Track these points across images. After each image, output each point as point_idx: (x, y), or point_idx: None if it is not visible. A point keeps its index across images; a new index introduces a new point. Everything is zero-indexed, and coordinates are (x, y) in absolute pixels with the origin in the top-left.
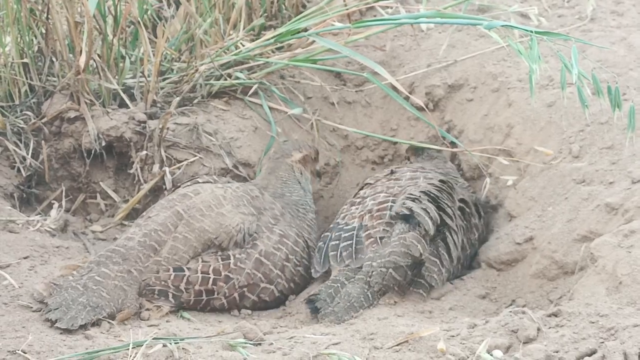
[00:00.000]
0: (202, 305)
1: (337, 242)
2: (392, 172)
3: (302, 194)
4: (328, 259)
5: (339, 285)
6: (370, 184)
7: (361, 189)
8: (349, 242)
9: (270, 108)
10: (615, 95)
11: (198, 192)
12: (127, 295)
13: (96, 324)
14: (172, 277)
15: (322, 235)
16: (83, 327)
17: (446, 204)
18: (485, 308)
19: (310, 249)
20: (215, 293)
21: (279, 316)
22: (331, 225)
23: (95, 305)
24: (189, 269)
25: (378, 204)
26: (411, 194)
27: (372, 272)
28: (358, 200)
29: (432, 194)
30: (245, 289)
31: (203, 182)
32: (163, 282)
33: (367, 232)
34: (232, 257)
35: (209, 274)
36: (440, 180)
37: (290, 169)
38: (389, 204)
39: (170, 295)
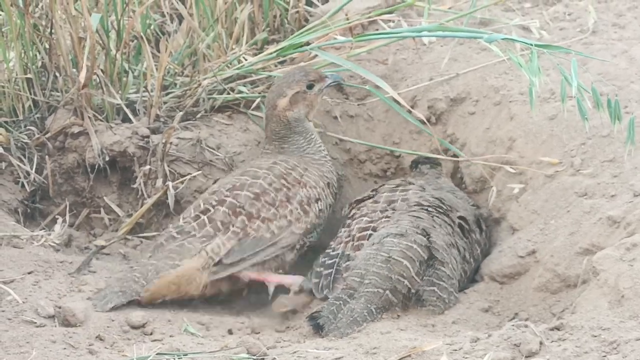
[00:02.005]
0: None
1: (321, 269)
2: (374, 191)
3: (298, 140)
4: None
5: (341, 302)
6: (359, 200)
7: (355, 204)
8: (329, 270)
9: None
10: (615, 108)
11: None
12: None
13: (99, 337)
14: None
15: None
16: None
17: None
18: (488, 321)
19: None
20: None
21: (282, 330)
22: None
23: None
24: None
25: (359, 230)
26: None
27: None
28: (348, 221)
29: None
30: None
31: None
32: None
33: (347, 263)
34: None
35: None
36: (418, 204)
37: (278, 120)
38: (369, 231)
39: None
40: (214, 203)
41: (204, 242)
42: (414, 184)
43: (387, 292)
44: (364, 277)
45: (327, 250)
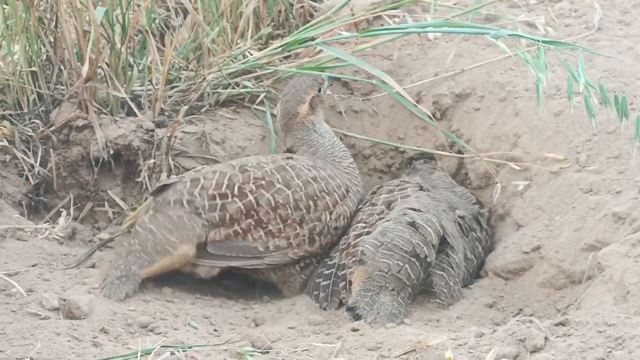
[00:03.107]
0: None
1: (320, 280)
2: (373, 193)
3: (324, 142)
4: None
5: (372, 294)
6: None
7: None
8: (327, 281)
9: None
10: (622, 104)
11: None
12: None
13: (104, 330)
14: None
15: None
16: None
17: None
18: (493, 317)
19: (352, 193)
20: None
21: (288, 326)
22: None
23: None
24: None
25: (354, 237)
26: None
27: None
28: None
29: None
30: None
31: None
32: None
33: (342, 272)
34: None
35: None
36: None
37: (303, 127)
38: (363, 237)
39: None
40: (236, 192)
41: (205, 228)
42: (410, 182)
43: (406, 266)
44: (377, 245)
45: (326, 260)
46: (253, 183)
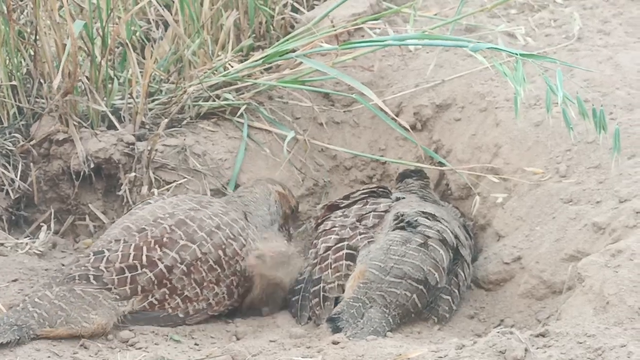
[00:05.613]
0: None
1: (290, 296)
2: (345, 198)
3: (265, 215)
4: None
5: (360, 305)
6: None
7: (319, 223)
8: (296, 297)
9: (258, 129)
10: (600, 118)
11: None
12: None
13: (84, 346)
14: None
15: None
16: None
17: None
18: (474, 328)
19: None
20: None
21: (269, 339)
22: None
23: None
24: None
25: (325, 249)
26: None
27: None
28: (314, 241)
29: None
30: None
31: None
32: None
33: (316, 288)
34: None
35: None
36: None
37: (267, 192)
38: (344, 251)
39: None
40: (145, 262)
41: (118, 302)
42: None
43: (414, 295)
44: (384, 269)
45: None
46: (159, 244)
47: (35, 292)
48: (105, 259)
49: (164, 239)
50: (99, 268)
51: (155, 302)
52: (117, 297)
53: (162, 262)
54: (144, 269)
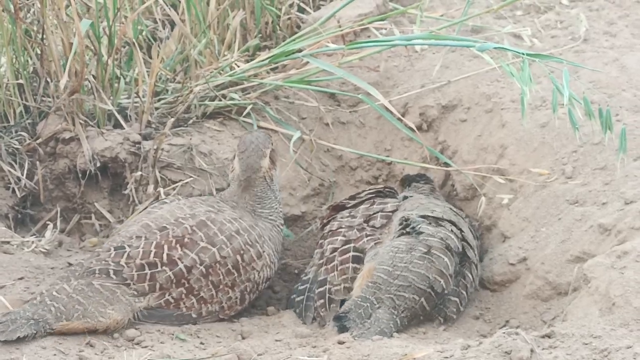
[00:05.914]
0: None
1: (294, 296)
2: (352, 198)
3: (272, 201)
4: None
5: (368, 305)
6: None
7: (325, 224)
8: (301, 297)
9: (264, 129)
10: (606, 118)
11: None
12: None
13: (90, 344)
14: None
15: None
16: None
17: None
18: (479, 329)
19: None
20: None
21: (275, 339)
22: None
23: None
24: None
25: (331, 250)
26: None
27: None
28: (320, 241)
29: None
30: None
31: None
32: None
33: (322, 289)
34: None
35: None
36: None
37: (263, 182)
38: (351, 253)
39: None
40: (165, 260)
41: (135, 298)
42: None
43: (422, 299)
44: (392, 274)
45: (301, 275)
46: (181, 244)
47: (53, 285)
48: (126, 254)
49: (185, 239)
50: (120, 263)
51: (172, 301)
52: (135, 292)
53: (182, 262)
54: (164, 267)
